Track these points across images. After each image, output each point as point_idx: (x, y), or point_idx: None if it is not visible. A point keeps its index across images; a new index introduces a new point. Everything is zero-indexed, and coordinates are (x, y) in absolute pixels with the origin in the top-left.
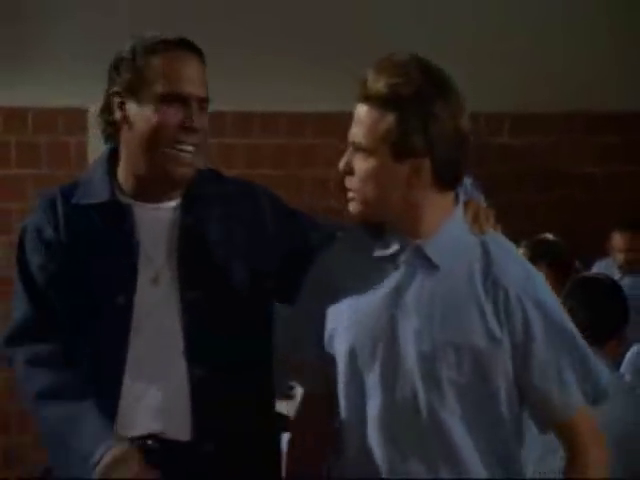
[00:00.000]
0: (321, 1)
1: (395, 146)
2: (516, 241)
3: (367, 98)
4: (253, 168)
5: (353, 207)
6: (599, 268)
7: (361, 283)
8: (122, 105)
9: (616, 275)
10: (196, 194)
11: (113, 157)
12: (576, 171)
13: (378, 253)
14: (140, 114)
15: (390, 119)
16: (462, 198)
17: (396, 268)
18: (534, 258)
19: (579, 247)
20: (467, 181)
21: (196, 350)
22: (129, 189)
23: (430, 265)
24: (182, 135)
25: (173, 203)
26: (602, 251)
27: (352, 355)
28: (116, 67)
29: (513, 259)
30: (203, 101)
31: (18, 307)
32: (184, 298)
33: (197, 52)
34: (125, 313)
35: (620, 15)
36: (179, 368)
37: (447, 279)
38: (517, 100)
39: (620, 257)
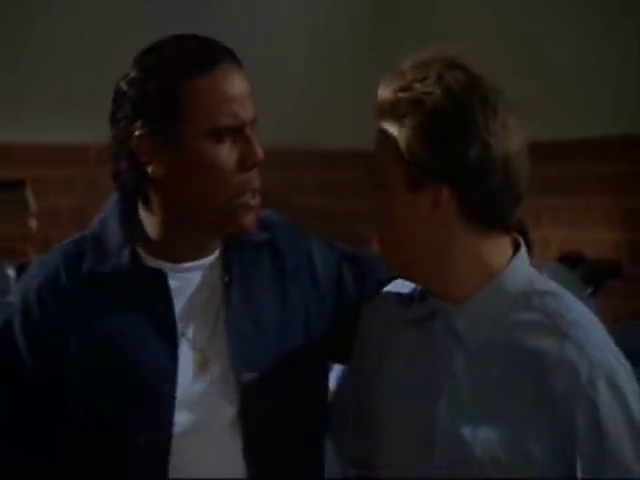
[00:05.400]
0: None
1: (405, 170)
2: None
3: (376, 114)
4: None
5: (387, 260)
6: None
7: (395, 352)
8: (154, 152)
9: None
10: (238, 246)
11: (128, 202)
12: (314, 205)
13: (410, 315)
14: (184, 163)
15: (396, 134)
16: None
17: (428, 336)
18: None
19: None
20: None
21: (254, 443)
22: (160, 246)
23: (459, 341)
24: (244, 176)
25: (212, 257)
26: None
27: None
28: (133, 100)
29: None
30: (255, 122)
31: None
32: (241, 384)
33: (236, 58)
34: (167, 410)
35: (350, 52)
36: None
37: (478, 358)
38: None
39: None
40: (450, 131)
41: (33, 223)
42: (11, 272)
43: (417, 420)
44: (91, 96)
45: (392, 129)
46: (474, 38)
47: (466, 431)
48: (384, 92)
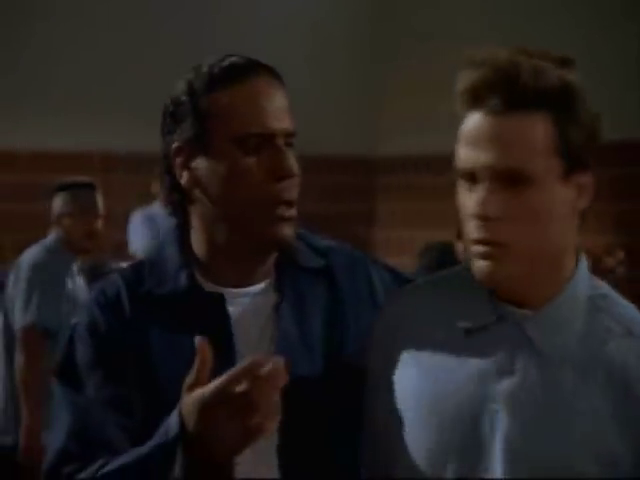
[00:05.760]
0: None
1: (563, 159)
2: None
3: (501, 104)
4: None
5: (496, 269)
6: None
7: (437, 357)
8: (187, 164)
9: None
10: (291, 270)
11: (184, 226)
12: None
13: (463, 324)
14: (214, 171)
15: (548, 122)
16: None
17: (485, 344)
18: None
19: None
20: None
21: (292, 462)
22: (213, 270)
23: (532, 347)
24: (276, 187)
25: (262, 284)
26: None
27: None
28: (173, 115)
29: None
30: (291, 136)
31: (60, 429)
32: (286, 412)
33: (275, 75)
34: None
35: (350, 53)
36: None
37: (555, 367)
38: None
39: None
40: (591, 113)
41: (99, 224)
42: (76, 268)
43: (464, 428)
44: (96, 102)
45: (531, 119)
46: (473, 39)
47: (535, 441)
48: (507, 81)
